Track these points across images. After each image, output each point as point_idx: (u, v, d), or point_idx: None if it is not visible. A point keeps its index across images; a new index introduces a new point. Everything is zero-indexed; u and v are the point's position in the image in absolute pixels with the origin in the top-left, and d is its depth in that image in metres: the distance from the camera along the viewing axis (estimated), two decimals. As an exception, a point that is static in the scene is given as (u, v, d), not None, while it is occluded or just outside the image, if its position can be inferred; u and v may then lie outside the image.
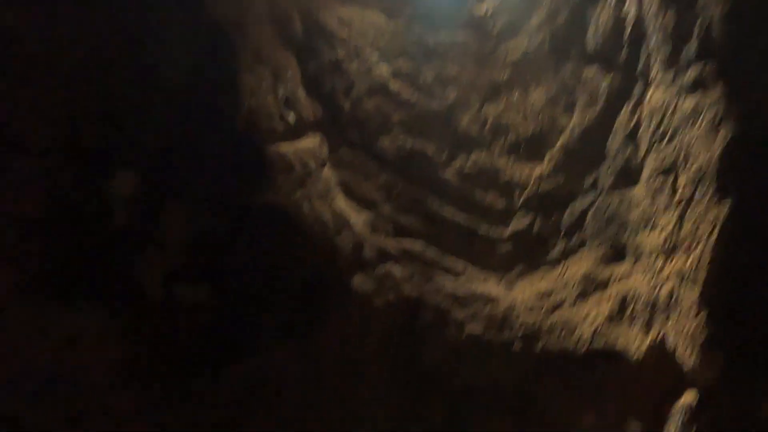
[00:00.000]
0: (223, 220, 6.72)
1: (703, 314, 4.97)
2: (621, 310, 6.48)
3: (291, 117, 7.24)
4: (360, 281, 7.38)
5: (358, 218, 7.51)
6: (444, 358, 7.42)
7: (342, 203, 7.43)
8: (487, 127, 9.00)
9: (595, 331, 6.72)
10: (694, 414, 5.40)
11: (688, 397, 5.52)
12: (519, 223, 7.97)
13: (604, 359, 6.63)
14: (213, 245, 6.62)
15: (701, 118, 5.34)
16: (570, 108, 8.40)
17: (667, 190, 5.91)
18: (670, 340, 5.47)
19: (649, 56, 6.18)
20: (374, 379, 7.20)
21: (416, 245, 7.77)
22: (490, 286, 7.79)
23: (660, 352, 5.70)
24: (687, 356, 5.15)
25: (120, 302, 6.80)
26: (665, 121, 6.06)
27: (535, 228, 7.85)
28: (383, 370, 7.30)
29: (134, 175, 6.66)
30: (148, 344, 6.78)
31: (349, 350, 7.15)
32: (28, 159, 5.72)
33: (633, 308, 6.32)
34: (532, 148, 8.80)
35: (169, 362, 6.71)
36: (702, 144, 5.24)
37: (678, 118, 5.74)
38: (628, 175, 6.99)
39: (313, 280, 7.29)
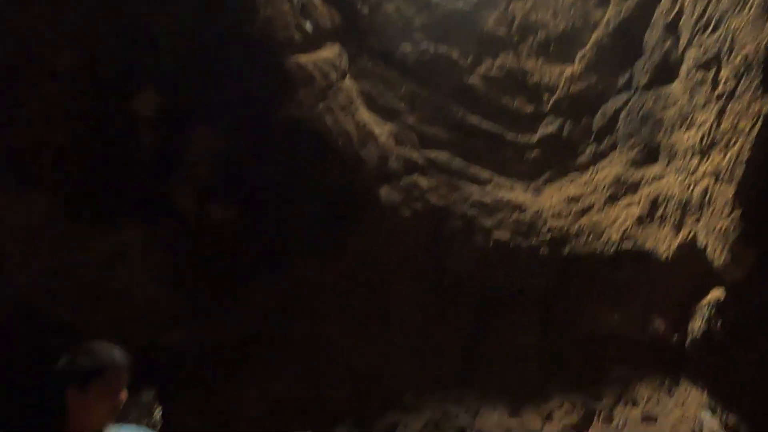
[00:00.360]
0: (247, 136, 6.72)
1: (737, 212, 4.88)
2: (651, 212, 6.40)
3: (308, 26, 6.94)
4: (386, 193, 7.42)
5: (382, 130, 7.40)
6: (471, 265, 7.60)
7: (365, 115, 7.30)
8: (515, 26, 8.48)
9: (623, 233, 6.70)
10: (720, 309, 5.49)
11: (716, 294, 5.58)
12: (548, 127, 7.74)
13: (632, 260, 6.67)
14: (239, 161, 6.69)
15: (750, 2, 4.90)
16: (604, 0, 7.80)
17: (707, 84, 5.58)
18: (701, 239, 5.43)
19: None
20: (402, 286, 7.47)
21: (442, 155, 7.69)
22: (517, 193, 7.74)
23: (690, 250, 5.69)
24: (717, 254, 5.13)
25: (158, 220, 7.09)
26: (710, 7, 5.59)
27: (565, 132, 7.62)
28: (411, 278, 7.55)
29: (156, 95, 6.64)
30: (187, 258, 7.14)
31: (378, 260, 7.38)
32: (58, 83, 5.75)
33: (664, 209, 6.24)
34: (562, 47, 8.32)
35: (208, 275, 7.08)
36: (749, 32, 4.84)
37: (724, 4, 5.28)
38: (666, 71, 6.59)
39: (340, 193, 7.37)
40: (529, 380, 7.29)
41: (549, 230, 7.36)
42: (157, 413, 5.75)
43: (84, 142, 6.27)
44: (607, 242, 6.91)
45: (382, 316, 7.24)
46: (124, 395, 1.75)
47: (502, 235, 7.45)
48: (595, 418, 7.03)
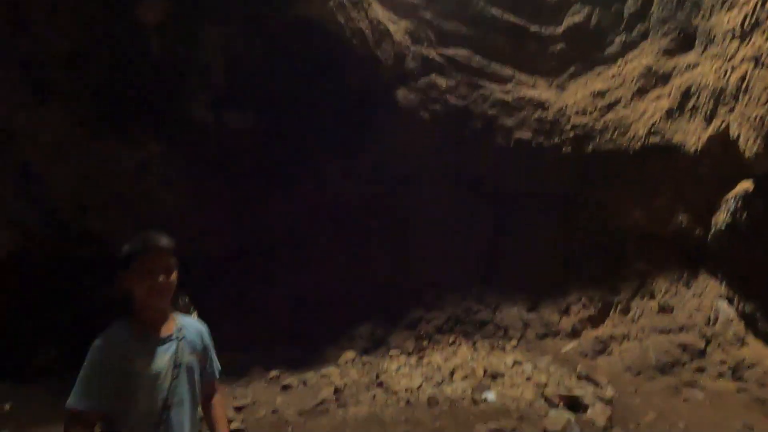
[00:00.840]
0: (259, 38, 6.46)
1: (776, 97, 4.64)
2: (682, 104, 6.12)
3: None
4: (404, 94, 7.19)
5: (397, 27, 7.02)
6: (491, 167, 7.52)
7: (379, 11, 6.89)
8: None
9: (651, 127, 6.48)
10: (747, 201, 5.40)
11: (744, 186, 5.47)
12: (574, 16, 7.22)
13: (659, 154, 6.50)
14: (252, 65, 6.49)
15: None
16: None
17: (754, -43, 5.07)
18: (733, 129, 5.21)
19: None
20: (422, 189, 7.48)
21: (461, 52, 7.32)
22: (540, 90, 7.43)
23: (720, 142, 5.49)
24: (750, 144, 4.94)
25: (178, 134, 7.08)
26: None
27: (593, 21, 7.12)
28: (431, 181, 7.53)
29: (163, 1, 6.34)
30: (209, 170, 7.20)
31: (397, 163, 7.33)
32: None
33: (696, 100, 5.95)
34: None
35: (231, 184, 7.17)
36: None
37: None
38: (708, -55, 5.99)
39: (356, 96, 7.18)
40: (548, 277, 7.47)
41: (573, 128, 7.15)
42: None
43: (93, 50, 6.12)
44: (633, 137, 6.71)
45: (403, 218, 7.33)
46: (169, 277, 1.78)
47: (523, 134, 7.27)
48: (612, 310, 7.26)
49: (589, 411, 4.72)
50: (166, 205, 6.91)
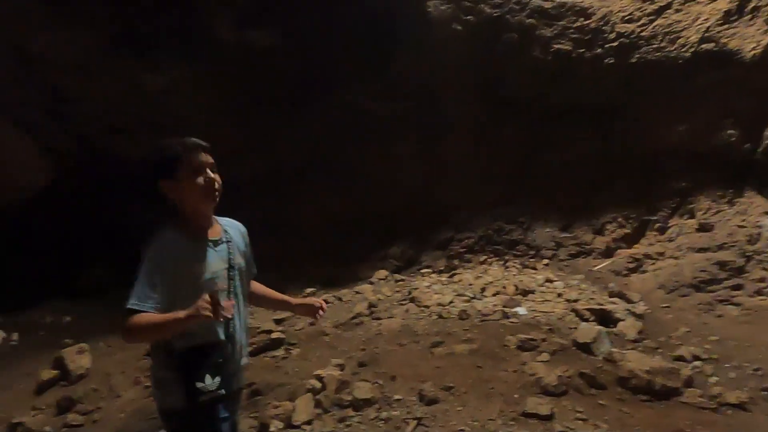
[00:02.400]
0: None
1: None
2: (742, 4, 5.59)
3: None
4: (435, 4, 6.75)
5: (427, -72, 6.48)
6: (527, 81, 7.12)
7: None
8: None
9: (704, 33, 5.97)
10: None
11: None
12: None
13: (711, 63, 6.03)
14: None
15: None
16: None
17: None
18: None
19: None
20: (454, 105, 7.21)
21: (497, -46, 6.75)
22: (582, -5, 6.87)
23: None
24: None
25: (203, 56, 6.95)
26: None
27: None
28: (463, 97, 7.23)
29: None
30: (235, 91, 7.11)
31: (428, 79, 7.04)
32: None
33: (758, 0, 5.42)
34: None
35: (257, 105, 7.09)
36: None
37: None
38: None
39: (384, 8, 6.79)
40: (582, 196, 7.30)
41: (617, 36, 6.65)
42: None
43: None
44: (683, 45, 6.22)
45: (434, 136, 7.16)
46: (212, 176, 1.71)
47: (563, 45, 6.82)
48: (648, 230, 7.12)
49: (619, 325, 4.76)
50: (197, 127, 6.93)
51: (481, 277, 6.54)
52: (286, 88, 7.07)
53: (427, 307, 5.37)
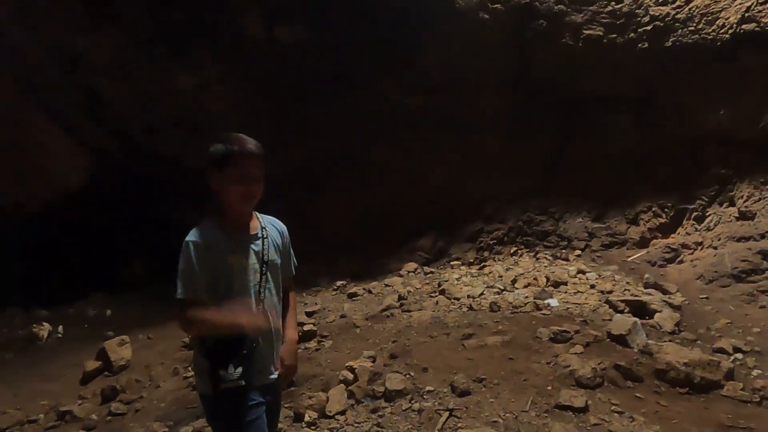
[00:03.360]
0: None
1: None
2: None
3: None
4: (462, -6, 6.68)
5: None
6: (558, 69, 6.97)
7: None
8: None
9: (745, 12, 5.72)
10: None
11: None
12: None
13: (752, 45, 5.77)
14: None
15: None
16: None
17: None
18: None
19: None
20: (483, 96, 7.13)
21: (525, -60, 6.61)
22: (614, -22, 6.67)
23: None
24: None
25: (232, 54, 7.07)
26: None
27: None
28: (492, 87, 7.14)
29: None
30: (265, 87, 7.20)
31: (456, 70, 6.98)
32: None
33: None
34: None
35: (285, 101, 7.17)
36: None
37: None
38: None
39: (411, 0, 6.75)
40: (616, 186, 7.12)
41: (651, 19, 6.44)
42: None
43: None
44: (722, 27, 5.98)
45: (463, 128, 7.10)
46: (258, 185, 1.82)
47: (594, 31, 6.65)
48: (685, 219, 6.91)
49: (656, 316, 4.64)
50: (229, 125, 7.06)
51: (511, 269, 6.48)
52: (316, 84, 7.12)
53: (457, 299, 5.36)
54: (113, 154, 7.78)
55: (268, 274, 1.91)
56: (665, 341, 4.08)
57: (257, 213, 1.99)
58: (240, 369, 1.70)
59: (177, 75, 6.88)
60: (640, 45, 6.55)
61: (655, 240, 6.93)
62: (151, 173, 8.01)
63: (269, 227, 2.00)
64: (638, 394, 3.37)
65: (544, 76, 7.01)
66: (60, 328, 6.64)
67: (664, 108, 6.71)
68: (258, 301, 1.86)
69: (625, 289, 5.49)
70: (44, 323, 6.63)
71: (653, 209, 7.01)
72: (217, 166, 1.79)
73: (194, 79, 7.02)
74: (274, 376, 1.95)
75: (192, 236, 1.78)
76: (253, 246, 1.88)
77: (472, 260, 7.04)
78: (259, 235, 1.92)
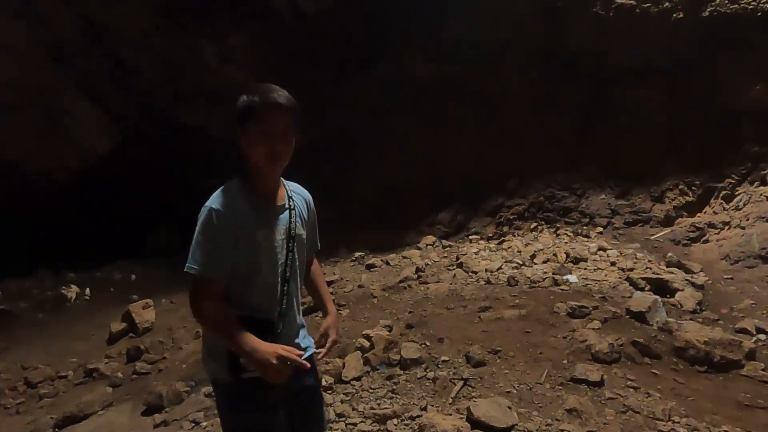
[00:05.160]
0: None
1: None
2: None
3: None
4: (489, -40, 6.47)
5: None
6: (588, 40, 6.74)
7: None
8: None
9: (789, -20, 5.43)
10: None
11: None
12: None
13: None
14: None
15: None
16: None
17: None
18: None
19: None
20: (509, 69, 6.97)
21: None
22: (650, -57, 6.37)
23: None
24: None
25: (256, 24, 7.02)
26: None
27: None
28: (518, 61, 6.97)
29: None
30: (289, 58, 7.16)
31: (482, 44, 6.81)
32: None
33: None
34: None
35: (309, 72, 7.12)
36: None
37: None
38: None
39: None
40: (643, 162, 6.94)
41: (687, -13, 6.15)
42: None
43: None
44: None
45: (487, 100, 6.97)
46: (287, 142, 1.55)
47: (626, 0, 6.39)
48: (714, 197, 6.72)
49: (677, 295, 4.57)
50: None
51: (530, 244, 6.43)
52: (340, 55, 7.06)
53: (475, 272, 5.36)
54: (140, 123, 7.87)
55: (295, 250, 1.67)
56: (686, 320, 4.02)
57: (284, 180, 1.74)
58: None
59: (201, 45, 6.88)
60: (675, 15, 6.28)
61: (680, 219, 6.77)
62: (176, 143, 8.10)
63: (296, 197, 1.75)
64: (655, 371, 3.34)
65: (573, 47, 6.80)
66: (87, 290, 6.88)
67: (696, 81, 6.46)
68: (284, 280, 1.64)
69: (647, 267, 5.40)
70: (73, 286, 6.88)
71: (680, 187, 6.83)
72: (239, 121, 1.55)
73: (218, 48, 7.01)
74: (306, 355, 1.72)
75: (214, 202, 1.53)
76: (280, 218, 1.64)
77: (491, 235, 7.00)
78: (286, 205, 1.68)
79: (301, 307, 1.79)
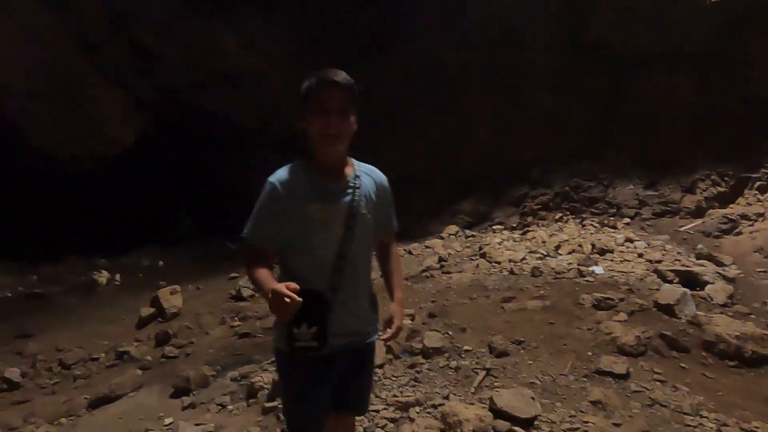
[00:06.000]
0: None
1: None
2: None
3: None
4: (516, -57, 6.32)
5: None
6: (614, 25, 6.54)
7: None
8: None
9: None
10: None
11: None
12: None
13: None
14: None
15: None
16: None
17: None
18: None
19: None
20: (532, 55, 6.83)
21: None
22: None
23: None
24: None
25: (276, 8, 7.02)
26: None
27: None
28: (542, 46, 6.82)
29: None
30: (309, 42, 7.15)
31: (504, 28, 6.68)
32: None
33: None
34: None
35: (326, 57, 7.11)
36: None
37: None
38: None
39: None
40: (672, 151, 6.76)
41: (723, -31, 5.92)
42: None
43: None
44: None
45: (510, 86, 6.86)
46: (343, 120, 1.59)
47: (658, -17, 6.19)
48: (747, 188, 6.51)
49: (707, 288, 4.46)
50: (274, 82, 7.08)
51: (555, 234, 6.34)
52: (359, 40, 7.01)
53: (498, 263, 5.32)
54: (163, 111, 7.99)
55: (355, 229, 1.68)
56: (716, 313, 3.93)
57: (354, 160, 1.78)
58: (314, 329, 1.52)
59: (221, 31, 6.93)
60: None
61: (711, 210, 6.59)
62: (199, 130, 8.21)
63: (364, 178, 1.76)
64: (683, 365, 3.28)
65: (600, 32, 6.63)
66: (117, 276, 7.06)
67: (731, 67, 6.24)
68: (338, 258, 1.66)
69: (676, 259, 5.28)
70: (103, 271, 7.07)
71: (712, 177, 6.64)
72: (301, 103, 1.62)
73: (238, 35, 7.05)
74: (369, 338, 1.80)
75: (274, 176, 1.64)
76: (338, 196, 1.67)
77: (514, 225, 6.93)
78: (351, 184, 1.70)
79: (370, 288, 1.83)
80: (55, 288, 6.71)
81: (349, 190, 1.70)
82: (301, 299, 1.41)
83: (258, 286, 1.57)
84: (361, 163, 1.80)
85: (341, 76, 1.60)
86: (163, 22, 6.90)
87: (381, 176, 1.84)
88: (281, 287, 1.38)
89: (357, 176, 1.74)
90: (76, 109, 7.41)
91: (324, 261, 1.66)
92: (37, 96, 7.10)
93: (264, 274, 1.57)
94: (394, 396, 2.95)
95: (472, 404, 2.77)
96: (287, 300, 1.37)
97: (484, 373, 3.14)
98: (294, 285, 1.40)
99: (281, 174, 1.65)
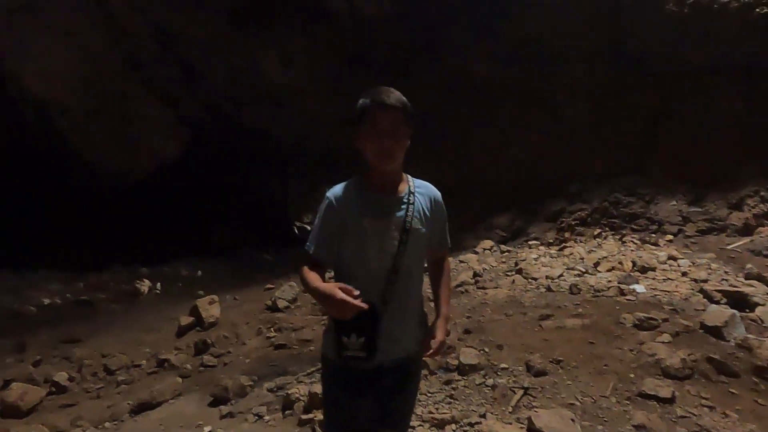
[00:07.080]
0: None
1: None
2: None
3: None
4: (555, -42, 6.29)
5: None
6: (659, 37, 6.39)
7: None
8: None
9: None
10: None
11: None
12: None
13: None
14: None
15: None
16: None
17: None
18: None
19: None
20: (573, 69, 6.75)
21: None
22: (731, -66, 5.99)
23: None
24: None
25: (316, 28, 7.20)
26: None
27: None
28: (583, 59, 6.72)
29: None
30: (348, 61, 7.29)
31: (543, 42, 6.64)
32: None
33: None
34: None
35: (367, 75, 7.21)
36: None
37: None
38: None
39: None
40: (718, 166, 6.53)
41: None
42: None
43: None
44: None
45: (549, 100, 6.78)
46: (396, 139, 1.63)
47: (702, -6, 6.05)
48: (800, 205, 6.22)
49: (757, 309, 4.25)
50: (313, 99, 7.24)
51: (594, 251, 6.20)
52: (398, 56, 7.10)
53: (534, 279, 5.23)
54: (206, 126, 8.26)
55: (408, 243, 1.70)
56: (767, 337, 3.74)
57: (409, 176, 1.81)
58: (363, 339, 1.56)
59: (264, 50, 7.14)
60: (757, 10, 5.87)
61: (761, 227, 6.31)
62: (240, 146, 8.44)
63: (419, 193, 1.79)
64: (733, 390, 3.13)
65: (642, 46, 6.50)
66: (158, 284, 7.28)
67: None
68: (392, 272, 1.69)
69: (723, 279, 5.07)
70: (145, 280, 7.31)
71: (761, 193, 6.37)
72: (355, 122, 1.68)
73: (280, 53, 7.24)
74: (406, 354, 1.78)
75: (331, 191, 1.71)
76: (393, 210, 1.71)
77: (551, 241, 6.81)
78: (405, 200, 1.73)
79: (421, 305, 1.86)
80: (101, 295, 6.98)
81: (403, 205, 1.73)
82: (365, 305, 1.45)
83: (313, 287, 1.59)
84: (416, 179, 1.82)
85: (394, 97, 1.64)
86: (207, 41, 7.16)
87: (435, 192, 1.85)
88: (347, 287, 1.45)
89: (411, 192, 1.76)
90: (125, 126, 7.75)
91: (377, 273, 1.68)
92: (89, 113, 7.47)
93: (320, 278, 1.62)
94: (430, 413, 2.93)
95: (510, 423, 2.72)
96: (351, 301, 1.42)
97: (521, 392, 3.08)
98: (356, 290, 1.45)
99: (337, 189, 1.72)
